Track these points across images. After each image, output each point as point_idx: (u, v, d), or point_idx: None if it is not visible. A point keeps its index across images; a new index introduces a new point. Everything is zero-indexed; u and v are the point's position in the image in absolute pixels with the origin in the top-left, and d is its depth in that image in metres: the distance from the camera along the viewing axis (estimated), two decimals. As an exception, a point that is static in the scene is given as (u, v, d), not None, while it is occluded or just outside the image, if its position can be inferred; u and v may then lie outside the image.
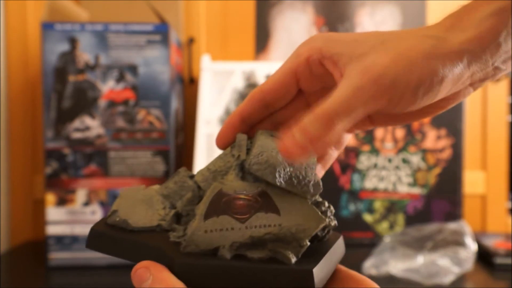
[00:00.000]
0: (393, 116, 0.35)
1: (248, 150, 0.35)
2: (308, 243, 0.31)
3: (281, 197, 0.33)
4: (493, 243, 0.99)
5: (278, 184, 0.33)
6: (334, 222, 0.35)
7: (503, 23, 0.30)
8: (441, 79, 0.30)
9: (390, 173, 1.06)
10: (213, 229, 0.32)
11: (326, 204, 0.35)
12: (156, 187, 0.37)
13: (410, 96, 0.30)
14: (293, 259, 0.31)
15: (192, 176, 0.36)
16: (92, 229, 0.35)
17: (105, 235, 0.34)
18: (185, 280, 0.30)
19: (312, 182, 0.33)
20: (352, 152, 1.06)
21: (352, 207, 1.07)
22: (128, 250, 0.33)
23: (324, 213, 0.34)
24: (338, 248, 0.36)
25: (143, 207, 0.36)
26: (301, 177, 0.33)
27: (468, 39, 0.30)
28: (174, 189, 0.36)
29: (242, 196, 0.33)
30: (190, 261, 0.31)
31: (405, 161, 1.06)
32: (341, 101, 0.29)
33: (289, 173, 0.33)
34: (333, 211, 0.35)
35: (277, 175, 0.33)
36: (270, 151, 0.34)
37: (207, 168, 0.35)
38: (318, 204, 0.35)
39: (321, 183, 0.33)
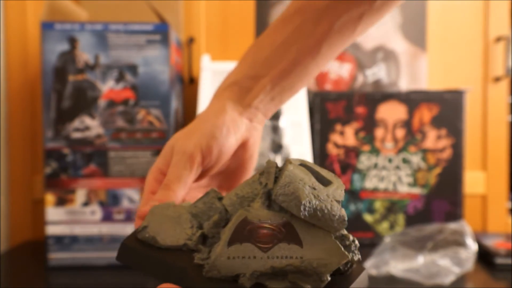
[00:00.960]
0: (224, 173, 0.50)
1: (276, 178, 0.35)
2: (329, 278, 0.32)
3: (305, 229, 0.33)
4: (494, 243, 0.99)
5: (303, 217, 0.33)
6: (358, 257, 0.35)
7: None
8: (224, 132, 0.46)
9: (390, 173, 1.06)
10: (236, 256, 0.32)
11: (351, 238, 0.35)
12: (186, 204, 0.38)
13: (209, 155, 0.45)
14: None
15: (221, 198, 0.37)
16: (123, 244, 0.36)
17: (134, 250, 0.36)
18: None
19: (337, 217, 0.33)
20: (352, 152, 1.06)
21: (352, 207, 1.07)
22: (154, 268, 0.35)
23: (348, 247, 0.34)
24: (361, 282, 0.35)
25: (172, 224, 0.37)
26: (326, 211, 0.33)
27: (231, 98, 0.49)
28: (203, 209, 0.37)
29: (266, 225, 0.33)
30: (211, 285, 0.32)
31: (405, 161, 1.06)
32: (170, 173, 0.44)
33: (314, 207, 0.33)
34: (358, 245, 0.35)
35: (302, 208, 0.32)
36: (297, 182, 0.33)
37: (235, 193, 0.36)
38: (342, 238, 0.34)
39: (346, 218, 0.33)
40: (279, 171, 0.36)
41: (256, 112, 0.50)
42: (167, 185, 0.43)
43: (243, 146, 0.49)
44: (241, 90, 0.49)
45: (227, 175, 0.51)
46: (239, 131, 0.47)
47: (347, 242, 0.34)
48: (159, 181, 0.46)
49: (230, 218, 0.35)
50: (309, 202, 0.33)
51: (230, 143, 0.47)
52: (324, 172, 0.36)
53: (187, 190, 0.44)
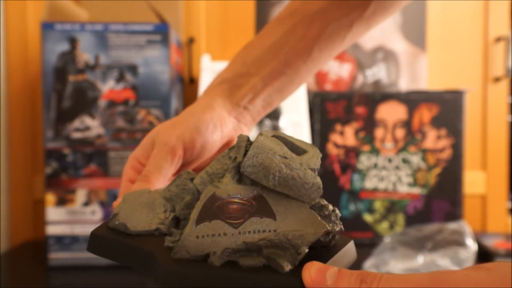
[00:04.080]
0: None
1: (247, 152, 0.33)
2: (306, 250, 0.30)
3: (278, 201, 0.31)
4: (493, 243, 0.99)
5: (273, 187, 0.31)
6: (339, 227, 0.33)
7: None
8: (205, 125, 0.45)
9: (390, 173, 1.06)
10: (205, 235, 0.31)
11: (330, 207, 0.33)
12: (160, 190, 0.37)
13: (192, 147, 0.45)
14: (288, 268, 0.29)
15: (193, 179, 0.35)
16: (92, 233, 0.35)
17: (103, 238, 0.34)
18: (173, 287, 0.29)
19: (310, 185, 0.31)
20: (352, 152, 1.06)
21: (352, 207, 1.07)
22: (123, 254, 0.33)
23: (327, 217, 0.32)
24: (346, 254, 0.33)
25: (144, 210, 0.35)
26: (298, 180, 0.31)
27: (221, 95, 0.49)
28: (176, 192, 0.36)
29: (236, 200, 0.31)
30: (176, 269, 0.30)
31: (405, 161, 1.06)
32: (150, 164, 0.43)
33: (284, 176, 0.31)
34: (338, 215, 0.33)
35: (271, 178, 0.31)
36: (266, 152, 0.32)
37: (206, 171, 0.34)
38: (320, 208, 0.32)
39: (321, 186, 0.31)
40: (250, 144, 0.34)
41: (244, 113, 0.49)
42: (146, 176, 0.42)
43: (227, 145, 0.48)
44: (231, 88, 0.49)
45: None
46: (225, 129, 0.47)
47: (326, 212, 0.32)
48: (137, 169, 0.45)
49: None
50: (279, 172, 0.31)
51: (214, 140, 0.46)
52: (299, 142, 0.34)
53: (166, 183, 0.43)
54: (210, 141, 0.45)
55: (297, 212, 0.31)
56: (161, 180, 0.42)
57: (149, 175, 0.42)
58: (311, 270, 0.28)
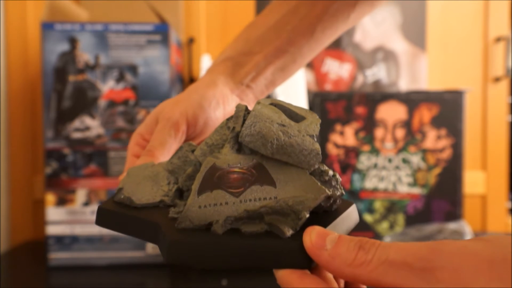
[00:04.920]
0: None
1: (245, 121, 0.33)
2: (307, 215, 0.30)
3: (277, 169, 0.31)
4: (493, 243, 0.99)
5: (271, 155, 0.31)
6: (340, 192, 0.33)
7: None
8: (207, 101, 0.46)
9: (390, 173, 1.06)
10: (207, 204, 0.31)
11: (331, 173, 0.33)
12: (163, 163, 0.38)
13: (195, 122, 0.45)
14: (289, 233, 0.30)
15: (193, 151, 0.36)
16: (99, 208, 0.35)
17: (109, 212, 0.35)
18: (177, 257, 0.30)
19: (308, 151, 0.31)
20: (352, 152, 1.06)
21: (352, 207, 1.07)
22: (129, 226, 0.34)
23: (328, 182, 0.33)
24: (347, 218, 0.34)
25: (148, 183, 0.36)
26: (296, 147, 0.31)
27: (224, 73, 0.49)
28: (178, 164, 0.36)
29: (236, 170, 0.31)
30: (180, 238, 0.30)
31: (405, 161, 1.06)
32: (154, 139, 0.44)
33: (282, 143, 0.31)
34: (339, 179, 0.33)
35: (269, 146, 0.31)
36: (263, 121, 0.31)
37: (205, 142, 0.35)
38: (321, 173, 0.33)
39: (319, 152, 0.31)
40: (248, 114, 0.34)
41: (247, 91, 0.49)
42: (150, 151, 0.43)
43: None
44: (234, 66, 0.49)
45: None
46: (228, 106, 0.47)
47: (326, 178, 0.32)
48: (141, 145, 0.45)
49: None
50: (277, 139, 0.31)
51: (217, 117, 0.46)
52: (298, 109, 0.34)
53: (169, 157, 0.43)
54: (212, 117, 0.46)
55: (297, 179, 0.31)
56: (165, 154, 0.43)
57: (153, 150, 0.42)
58: (312, 234, 0.28)
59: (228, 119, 0.34)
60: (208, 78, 0.48)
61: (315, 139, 0.32)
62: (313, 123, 0.32)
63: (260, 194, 0.31)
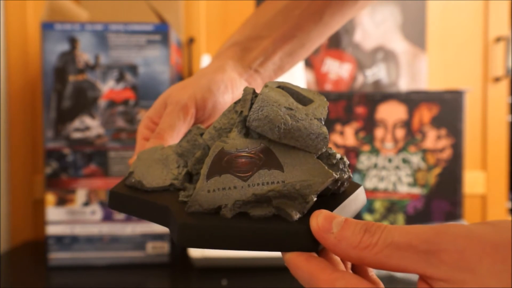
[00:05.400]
0: None
1: (252, 105, 0.33)
2: (315, 199, 0.31)
3: (285, 153, 0.32)
4: (493, 243, 0.99)
5: (279, 140, 0.31)
6: (347, 175, 0.33)
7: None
8: (216, 84, 0.46)
9: (390, 173, 1.06)
10: (216, 189, 0.31)
11: (338, 155, 0.33)
12: (173, 146, 0.38)
13: (203, 104, 0.45)
14: (296, 216, 0.30)
15: (202, 134, 0.36)
16: (111, 191, 0.36)
17: (121, 195, 0.36)
18: (187, 240, 0.31)
19: (316, 135, 0.31)
20: (352, 152, 1.06)
21: (352, 207, 1.07)
22: (140, 209, 0.35)
23: (335, 166, 0.33)
24: (355, 200, 0.34)
25: (159, 166, 0.37)
26: (304, 131, 0.31)
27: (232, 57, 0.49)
28: (187, 148, 0.37)
29: (244, 154, 0.32)
30: (189, 222, 0.31)
31: (405, 161, 1.06)
32: (163, 122, 0.44)
33: (289, 127, 0.31)
34: (347, 162, 0.34)
35: (276, 131, 0.31)
36: (271, 105, 0.31)
37: (213, 126, 0.35)
38: (328, 157, 0.33)
39: (327, 136, 0.32)
40: (255, 97, 0.34)
41: (255, 76, 0.49)
42: (159, 134, 0.43)
43: None
44: (242, 50, 0.49)
45: None
46: (237, 90, 0.47)
47: (334, 161, 0.33)
48: (151, 128, 0.46)
49: None
50: (284, 124, 0.31)
51: (226, 100, 0.46)
52: (306, 92, 0.34)
53: (178, 140, 0.43)
54: (221, 101, 0.46)
55: (304, 163, 0.31)
56: (174, 137, 0.43)
57: (162, 133, 0.43)
58: (319, 218, 0.29)
59: (235, 103, 0.34)
60: (216, 63, 0.48)
61: (323, 122, 0.32)
62: (321, 106, 0.32)
63: (267, 178, 0.31)
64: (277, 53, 0.49)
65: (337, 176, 0.32)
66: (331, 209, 0.31)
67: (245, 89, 0.34)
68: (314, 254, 0.29)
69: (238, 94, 0.47)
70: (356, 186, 0.35)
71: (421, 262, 0.25)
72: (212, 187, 0.31)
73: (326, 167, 0.31)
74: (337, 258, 0.31)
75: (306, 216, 0.30)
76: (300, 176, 0.31)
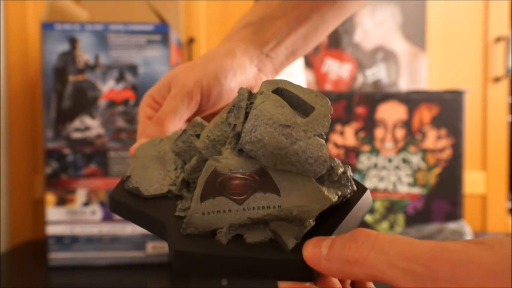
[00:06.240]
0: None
1: (247, 115, 0.30)
2: (313, 223, 0.29)
3: (282, 175, 0.30)
4: (493, 243, 0.99)
5: (273, 167, 0.29)
6: (349, 189, 0.31)
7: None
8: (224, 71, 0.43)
9: (390, 173, 1.06)
10: (210, 211, 0.30)
11: (341, 170, 0.30)
12: (171, 138, 0.37)
13: (209, 90, 0.43)
14: (292, 245, 0.29)
15: (198, 135, 0.34)
16: (110, 196, 0.36)
17: (121, 203, 0.35)
18: (182, 267, 0.30)
19: (314, 160, 0.29)
20: (352, 152, 1.06)
21: (352, 207, 1.07)
22: (138, 220, 0.34)
23: (337, 182, 0.30)
24: (360, 208, 0.32)
25: (156, 166, 0.36)
26: (302, 155, 0.29)
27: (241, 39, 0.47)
28: (184, 148, 0.35)
29: (238, 175, 0.30)
30: (184, 249, 0.30)
31: (405, 161, 1.06)
32: (165, 105, 0.42)
33: (284, 152, 0.29)
34: (350, 176, 0.31)
35: (270, 158, 0.29)
36: (264, 124, 0.29)
37: (207, 135, 0.32)
38: (330, 173, 0.30)
39: (327, 159, 0.29)
40: (251, 104, 0.31)
41: (266, 61, 0.47)
42: (160, 118, 0.41)
43: None
44: (254, 32, 0.47)
45: None
46: (245, 77, 0.45)
47: (335, 177, 0.30)
48: (153, 107, 0.44)
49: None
50: (279, 149, 0.28)
51: (232, 88, 0.44)
52: (307, 95, 0.30)
53: (180, 126, 0.42)
54: (227, 89, 0.44)
55: (302, 187, 0.29)
56: (176, 123, 0.41)
57: (164, 118, 0.41)
58: (309, 246, 0.28)
59: (229, 112, 0.31)
60: (227, 45, 0.46)
61: (324, 137, 0.29)
62: (322, 115, 0.29)
63: (263, 202, 0.30)
64: (291, 35, 0.47)
65: (336, 199, 0.30)
66: (333, 226, 0.30)
67: (240, 91, 0.31)
68: (308, 285, 0.29)
69: (246, 81, 0.45)
70: (361, 191, 0.33)
71: (418, 284, 0.24)
72: (206, 210, 0.30)
73: (325, 192, 0.29)
74: (338, 283, 0.31)
75: (302, 242, 0.29)
76: (297, 201, 0.29)
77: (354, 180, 0.32)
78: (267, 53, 0.47)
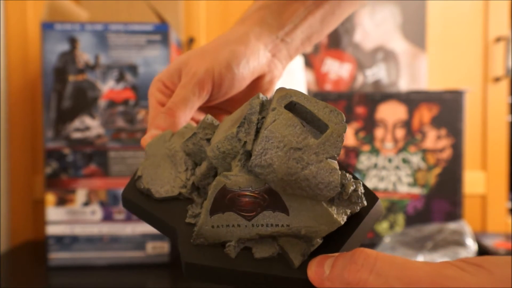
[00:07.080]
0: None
1: (259, 130, 0.30)
2: (320, 241, 0.30)
3: (291, 196, 0.29)
4: (493, 243, 0.99)
5: (282, 192, 0.29)
6: (360, 205, 0.31)
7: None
8: (236, 58, 0.42)
9: (390, 173, 1.06)
10: (220, 225, 0.31)
11: (351, 189, 0.30)
12: (181, 134, 0.37)
13: (221, 80, 0.42)
14: (298, 263, 0.30)
15: (208, 140, 0.34)
16: (122, 196, 0.36)
17: (133, 203, 0.36)
18: (193, 276, 0.32)
19: (324, 185, 0.28)
20: (352, 152, 1.06)
21: (352, 207, 1.07)
22: (150, 221, 0.35)
23: (347, 201, 0.30)
24: (369, 221, 0.32)
25: (167, 165, 0.36)
26: (312, 180, 0.28)
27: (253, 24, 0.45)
28: (194, 150, 0.35)
29: (248, 193, 0.30)
30: (194, 261, 0.31)
31: (405, 161, 1.06)
32: (176, 95, 0.41)
33: (294, 178, 0.28)
34: (361, 193, 0.30)
35: (280, 184, 0.29)
36: (275, 147, 0.28)
37: (217, 146, 0.31)
38: (340, 192, 0.30)
39: (338, 185, 0.28)
40: (262, 118, 0.30)
41: (281, 46, 0.46)
42: (170, 109, 0.40)
43: (258, 81, 0.45)
44: (270, 15, 0.45)
45: (231, 104, 0.47)
46: (258, 64, 0.44)
47: (345, 197, 0.30)
48: (163, 92, 0.43)
49: (217, 170, 0.33)
50: (289, 175, 0.28)
51: (244, 77, 0.43)
52: (321, 110, 0.29)
53: (191, 116, 0.41)
54: (239, 78, 0.42)
55: (311, 210, 0.29)
56: (187, 113, 0.40)
57: (175, 108, 0.40)
58: (312, 267, 0.29)
59: (239, 126, 0.30)
60: (240, 29, 0.44)
61: (337, 158, 0.29)
62: (336, 135, 0.28)
63: (272, 221, 0.30)
64: (308, 18, 0.45)
65: (344, 221, 0.30)
66: (341, 241, 0.30)
67: (251, 104, 0.31)
68: None
69: (259, 67, 0.44)
70: (372, 201, 0.32)
71: None
72: (216, 223, 0.31)
73: (334, 215, 0.29)
74: None
75: (310, 257, 0.30)
76: (305, 222, 0.30)
77: (365, 187, 0.32)
78: (282, 37, 0.45)
